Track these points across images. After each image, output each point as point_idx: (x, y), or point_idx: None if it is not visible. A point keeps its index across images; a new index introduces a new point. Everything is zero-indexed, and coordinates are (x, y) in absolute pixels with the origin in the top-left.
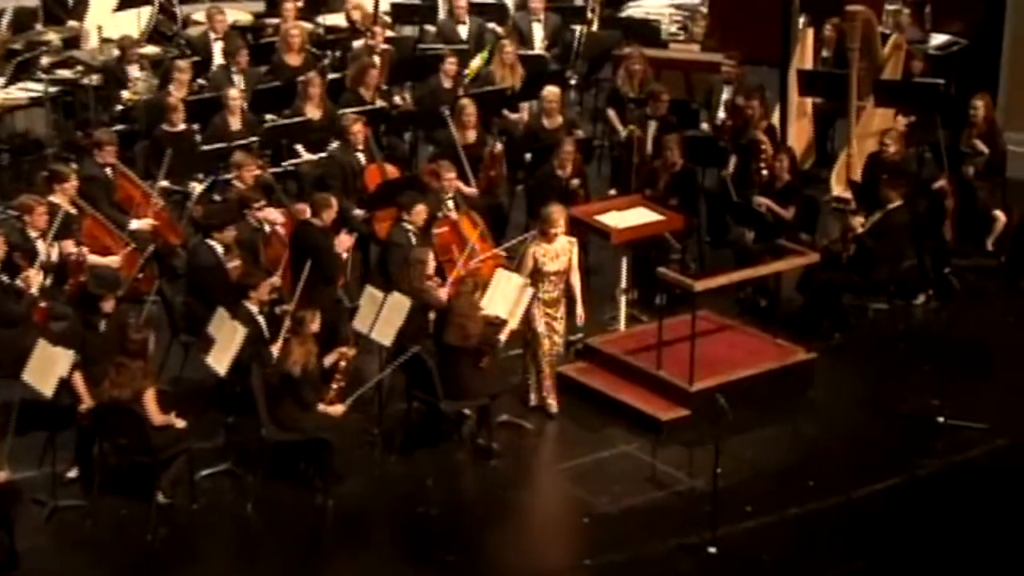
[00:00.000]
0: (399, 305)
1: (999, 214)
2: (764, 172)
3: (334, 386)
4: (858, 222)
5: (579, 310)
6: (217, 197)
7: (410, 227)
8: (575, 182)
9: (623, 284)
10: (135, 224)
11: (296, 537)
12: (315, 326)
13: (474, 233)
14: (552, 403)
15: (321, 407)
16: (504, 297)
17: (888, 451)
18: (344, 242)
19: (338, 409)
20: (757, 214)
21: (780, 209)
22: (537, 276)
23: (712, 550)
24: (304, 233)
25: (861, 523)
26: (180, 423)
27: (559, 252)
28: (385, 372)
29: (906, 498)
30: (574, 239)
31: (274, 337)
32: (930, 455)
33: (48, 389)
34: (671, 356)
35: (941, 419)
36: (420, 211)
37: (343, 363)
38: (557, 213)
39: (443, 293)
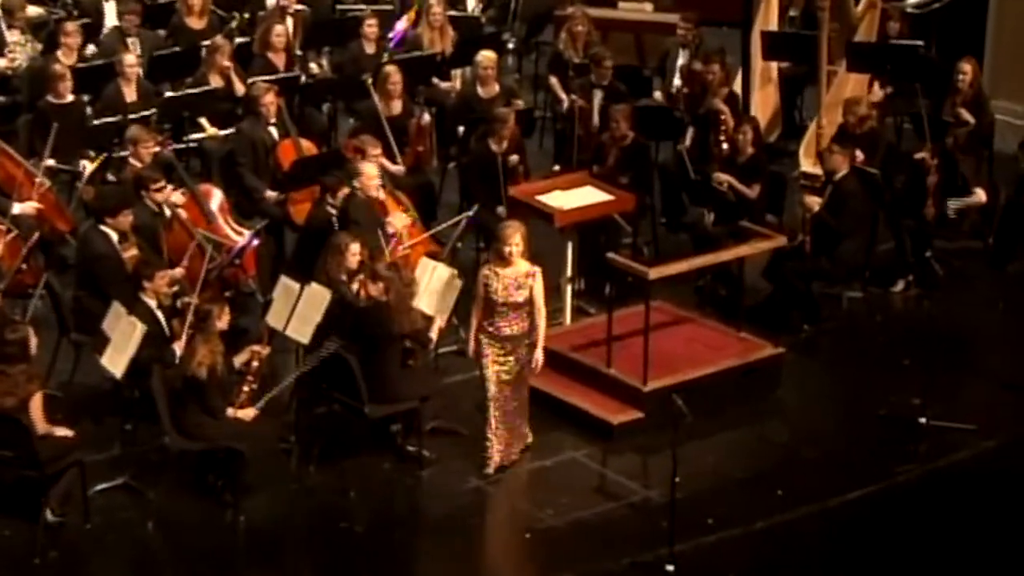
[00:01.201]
0: (317, 298)
1: (979, 192)
2: (725, 146)
3: (245, 388)
4: (814, 201)
5: (538, 354)
6: (111, 177)
7: (333, 210)
8: (514, 158)
9: (568, 272)
10: (17, 208)
11: (203, 559)
12: (222, 322)
13: (403, 216)
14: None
15: (230, 412)
16: (429, 292)
17: (865, 456)
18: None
19: (248, 413)
20: (717, 193)
21: (743, 187)
22: (488, 309)
23: (670, 568)
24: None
25: (836, 536)
26: (66, 432)
27: (518, 281)
28: (298, 371)
29: (886, 507)
30: (537, 268)
31: (177, 334)
32: (912, 460)
33: None
34: (622, 352)
35: (923, 420)
36: (343, 193)
37: (255, 363)
38: (512, 229)
39: (373, 290)
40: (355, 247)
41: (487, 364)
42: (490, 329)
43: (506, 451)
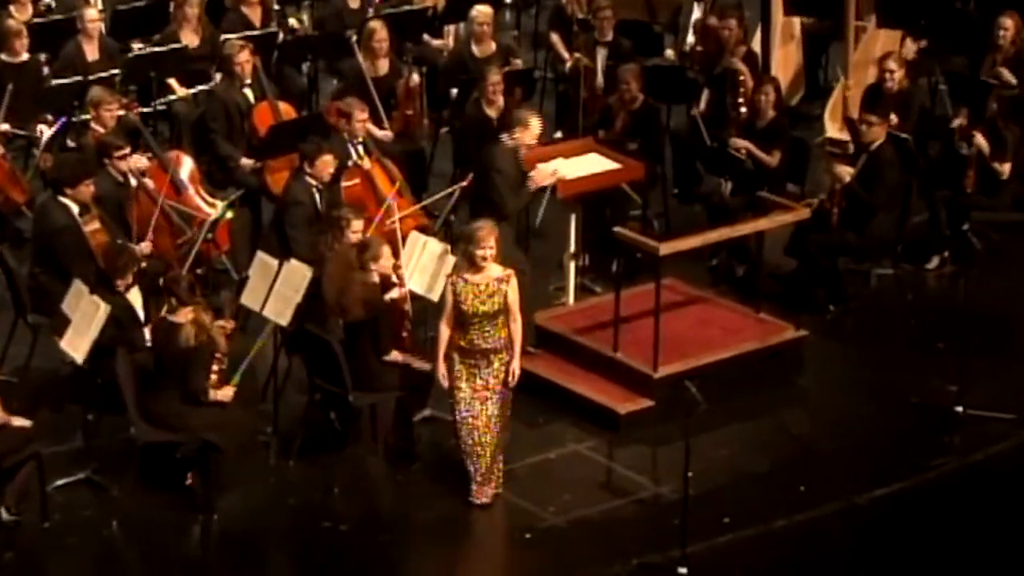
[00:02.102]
0: (297, 275)
1: (1003, 167)
2: (743, 109)
3: (215, 367)
4: (846, 171)
5: (515, 366)
6: (71, 144)
7: (313, 181)
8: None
9: (572, 248)
10: None
11: (172, 562)
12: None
13: (390, 187)
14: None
15: (212, 393)
16: (420, 268)
17: (895, 448)
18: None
19: (228, 392)
20: (735, 160)
21: (762, 154)
22: (459, 322)
23: (682, 571)
24: None
25: (863, 536)
26: (23, 422)
27: (491, 288)
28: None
29: (917, 504)
30: (511, 271)
31: (154, 316)
32: (946, 452)
33: None
34: (631, 335)
35: (959, 409)
36: (326, 161)
37: (221, 339)
38: (487, 231)
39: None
40: (357, 224)
41: (460, 385)
42: (462, 344)
43: (487, 478)
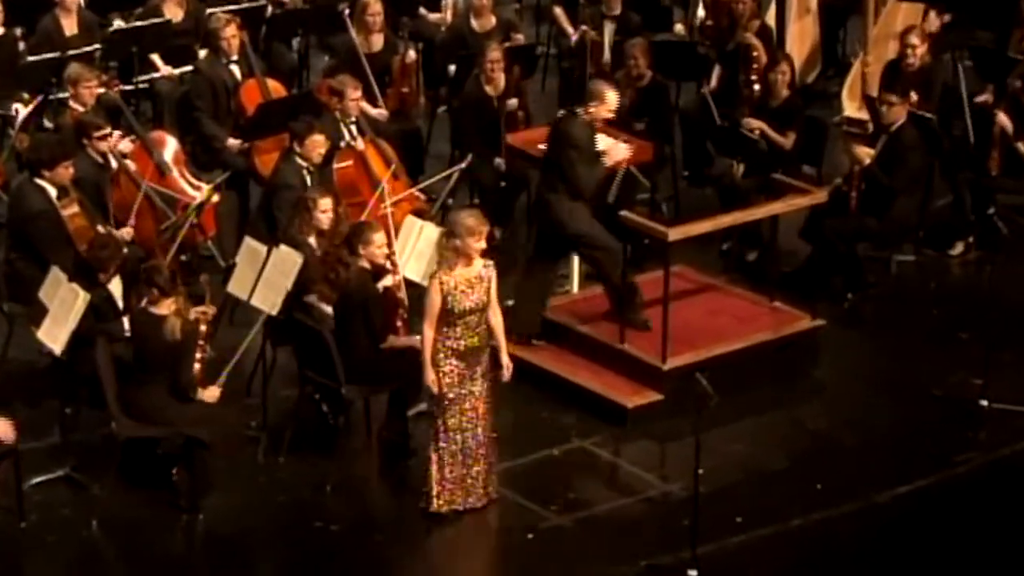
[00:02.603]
0: (288, 262)
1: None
2: (756, 87)
3: (198, 355)
4: (865, 153)
5: (504, 359)
6: (48, 123)
7: (304, 162)
8: (512, 102)
9: None
10: None
11: (154, 564)
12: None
13: (385, 169)
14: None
15: (198, 392)
16: (417, 254)
17: (917, 444)
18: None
19: (213, 393)
20: (748, 141)
21: (776, 134)
22: (446, 321)
23: (692, 573)
24: None
25: (883, 536)
26: (5, 429)
27: (474, 280)
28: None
29: (941, 503)
30: (490, 261)
31: (133, 306)
32: (971, 447)
33: None
34: None
35: (984, 402)
36: (317, 142)
37: (203, 327)
38: (478, 220)
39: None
40: (325, 203)
41: (453, 390)
42: (452, 345)
43: (463, 497)
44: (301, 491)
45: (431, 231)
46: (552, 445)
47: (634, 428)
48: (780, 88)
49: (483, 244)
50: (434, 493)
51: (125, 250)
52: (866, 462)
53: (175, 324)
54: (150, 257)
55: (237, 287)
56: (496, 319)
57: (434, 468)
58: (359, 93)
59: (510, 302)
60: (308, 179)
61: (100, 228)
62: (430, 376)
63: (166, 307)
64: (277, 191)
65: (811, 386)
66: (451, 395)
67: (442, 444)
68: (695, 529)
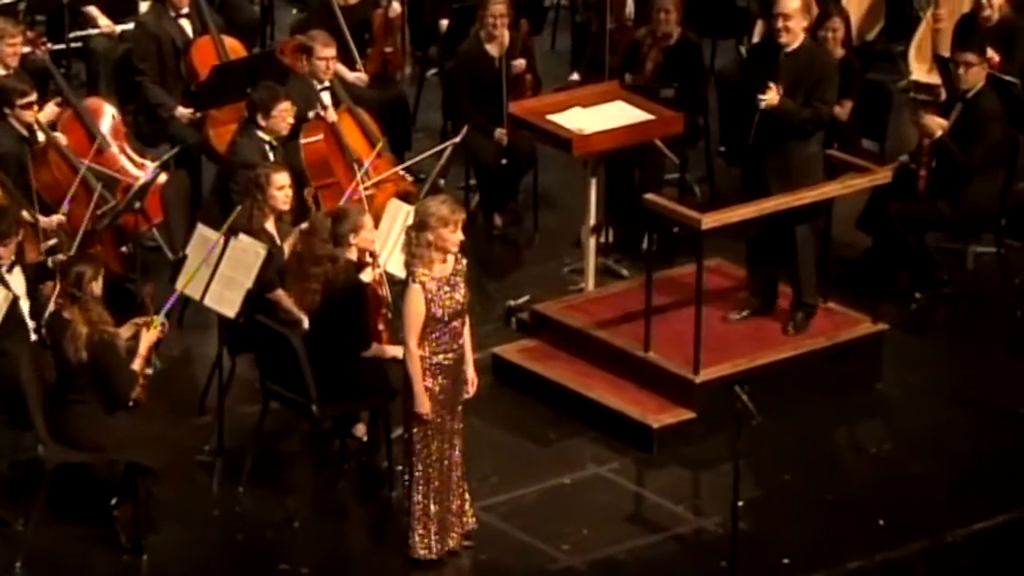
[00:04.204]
0: (248, 254)
1: None
2: None
3: (147, 370)
4: (937, 123)
5: (470, 373)
6: None
7: (266, 136)
8: (518, 64)
9: (592, 220)
10: None
11: None
12: (97, 286)
13: (364, 144)
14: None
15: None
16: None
17: (997, 471)
18: None
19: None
20: None
21: None
22: (430, 332)
23: None
24: None
25: None
26: None
27: (455, 275)
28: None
29: None
30: (463, 259)
31: (45, 303)
32: None
33: None
34: (666, 330)
35: None
36: (284, 111)
37: (150, 338)
38: (448, 208)
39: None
40: (280, 178)
41: (440, 415)
42: (437, 359)
43: (442, 537)
44: (263, 528)
45: None
46: (563, 473)
47: (661, 452)
48: (833, 47)
49: (460, 235)
50: (416, 538)
51: (53, 241)
52: (937, 493)
53: (81, 334)
54: (87, 249)
55: (188, 285)
56: (465, 326)
57: (418, 509)
58: (331, 51)
59: (525, 298)
60: (271, 155)
61: (25, 214)
62: (424, 404)
63: (70, 313)
64: (235, 169)
65: (872, 402)
66: (438, 420)
67: (422, 481)
68: (733, 572)
